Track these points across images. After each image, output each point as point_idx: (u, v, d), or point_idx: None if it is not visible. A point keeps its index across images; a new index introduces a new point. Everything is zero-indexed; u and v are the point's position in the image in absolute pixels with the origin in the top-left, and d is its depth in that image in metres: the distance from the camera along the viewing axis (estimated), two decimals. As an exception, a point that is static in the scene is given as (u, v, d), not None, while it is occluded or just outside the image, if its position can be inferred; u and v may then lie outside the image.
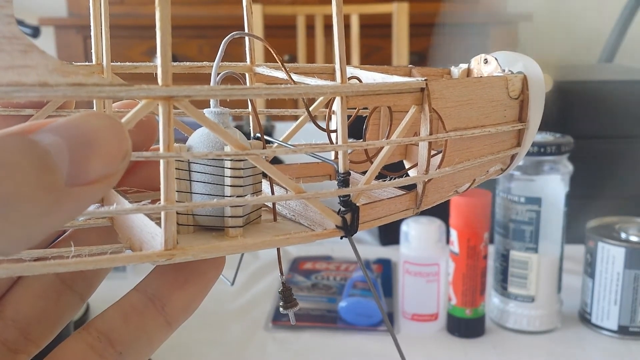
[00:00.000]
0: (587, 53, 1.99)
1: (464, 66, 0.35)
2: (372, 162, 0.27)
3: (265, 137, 0.27)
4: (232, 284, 0.33)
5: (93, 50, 0.28)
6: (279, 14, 1.87)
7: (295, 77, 0.28)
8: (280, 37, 1.97)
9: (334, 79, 0.31)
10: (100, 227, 0.27)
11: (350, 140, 0.25)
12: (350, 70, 0.31)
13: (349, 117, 0.25)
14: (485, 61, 0.33)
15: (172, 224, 0.21)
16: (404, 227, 0.68)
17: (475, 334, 0.67)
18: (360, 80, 0.30)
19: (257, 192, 0.26)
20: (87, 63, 0.27)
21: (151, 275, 0.25)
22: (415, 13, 1.83)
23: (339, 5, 0.23)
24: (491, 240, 0.69)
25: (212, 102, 0.26)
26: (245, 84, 0.30)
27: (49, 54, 0.18)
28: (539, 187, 0.66)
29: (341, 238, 0.25)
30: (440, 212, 0.56)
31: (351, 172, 0.26)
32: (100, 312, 0.24)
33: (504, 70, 0.32)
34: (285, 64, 0.29)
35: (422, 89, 0.26)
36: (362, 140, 0.33)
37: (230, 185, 0.24)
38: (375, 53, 2.14)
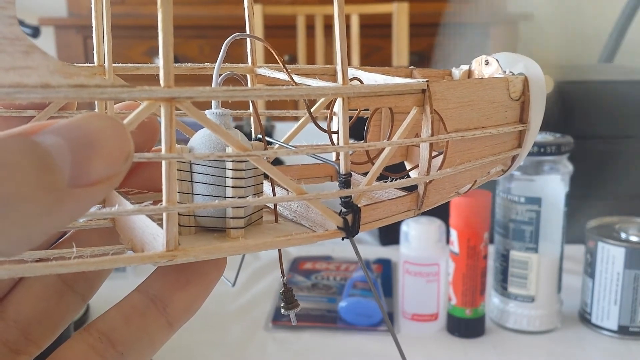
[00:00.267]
0: (587, 53, 1.99)
1: (465, 67, 0.35)
2: (373, 164, 0.27)
3: (267, 138, 0.27)
4: (234, 285, 0.33)
5: (95, 51, 0.28)
6: (279, 14, 1.87)
7: (296, 78, 0.28)
8: (280, 37, 1.97)
9: (335, 80, 0.31)
10: (102, 228, 0.27)
11: (352, 141, 0.25)
12: (351, 72, 0.31)
13: (350, 118, 0.25)
14: (486, 62, 0.33)
15: (173, 225, 0.21)
16: (404, 227, 0.68)
17: (475, 334, 0.67)
18: (361, 82, 0.30)
19: (259, 193, 0.26)
20: (88, 64, 0.28)
21: (153, 276, 0.25)
22: (415, 13, 1.84)
23: (340, 7, 0.23)
24: (491, 240, 0.69)
25: (213, 103, 0.26)
26: (246, 85, 0.30)
27: (50, 55, 0.18)
28: (539, 187, 0.66)
29: (342, 239, 0.25)
30: (441, 212, 0.55)
31: (352, 173, 0.26)
32: (101, 313, 0.24)
33: (505, 72, 0.32)
34: (286, 65, 0.29)
35: (424, 91, 0.26)
36: (363, 141, 0.33)
37: (231, 187, 0.24)
38: (375, 53, 2.14)
